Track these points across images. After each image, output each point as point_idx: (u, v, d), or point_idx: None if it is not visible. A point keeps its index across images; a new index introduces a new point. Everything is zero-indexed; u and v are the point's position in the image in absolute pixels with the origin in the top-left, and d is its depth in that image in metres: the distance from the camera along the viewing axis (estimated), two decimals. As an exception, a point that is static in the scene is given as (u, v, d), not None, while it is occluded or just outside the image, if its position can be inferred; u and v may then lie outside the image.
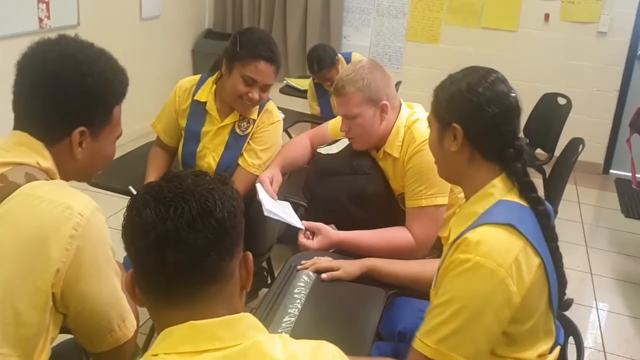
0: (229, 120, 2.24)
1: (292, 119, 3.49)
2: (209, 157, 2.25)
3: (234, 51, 2.13)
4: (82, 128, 1.24)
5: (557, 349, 1.40)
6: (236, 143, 2.24)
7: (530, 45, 5.03)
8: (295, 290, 1.61)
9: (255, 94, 2.13)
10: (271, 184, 2.08)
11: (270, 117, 2.27)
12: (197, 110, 2.27)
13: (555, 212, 3.26)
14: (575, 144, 3.13)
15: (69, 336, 1.46)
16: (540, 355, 1.35)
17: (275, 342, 0.88)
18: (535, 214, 1.35)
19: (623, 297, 3.30)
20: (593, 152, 5.07)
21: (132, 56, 4.51)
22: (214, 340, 0.85)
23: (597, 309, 3.16)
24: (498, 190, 1.35)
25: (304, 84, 4.36)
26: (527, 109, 4.26)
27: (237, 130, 2.24)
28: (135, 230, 0.87)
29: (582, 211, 4.37)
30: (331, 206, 2.05)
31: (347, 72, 1.96)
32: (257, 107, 2.25)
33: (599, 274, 3.49)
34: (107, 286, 1.20)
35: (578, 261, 3.59)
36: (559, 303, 1.40)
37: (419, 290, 1.73)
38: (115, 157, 1.42)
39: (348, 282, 1.70)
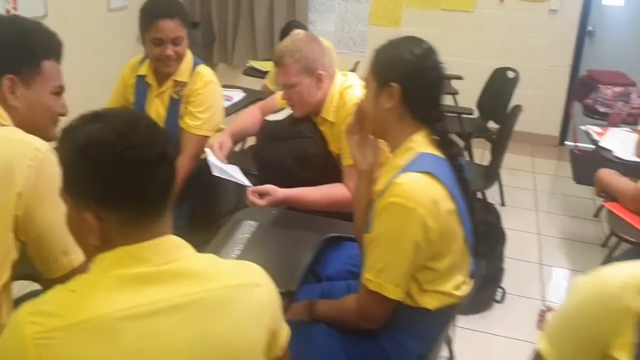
0: (165, 87, 2.49)
1: (253, 97, 3.66)
2: None
3: (140, 25, 2.39)
4: (9, 75, 1.40)
5: (470, 281, 1.61)
6: (174, 107, 2.49)
7: (487, 24, 5.22)
8: (240, 236, 1.80)
9: (168, 50, 2.37)
10: (221, 149, 2.27)
11: (202, 77, 2.48)
12: (141, 85, 2.54)
13: (497, 172, 3.49)
14: (516, 111, 3.34)
15: (35, 287, 1.64)
16: (456, 287, 1.57)
17: (200, 259, 1.04)
18: (452, 166, 1.55)
19: (567, 254, 3.54)
20: (549, 125, 5.31)
21: (101, 47, 4.64)
22: (143, 262, 0.97)
23: (540, 264, 3.39)
24: (417, 144, 1.54)
25: (268, 65, 4.51)
26: (481, 84, 4.54)
27: (174, 95, 2.48)
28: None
29: (536, 180, 4.60)
30: (278, 168, 2.24)
31: (286, 44, 2.15)
32: (189, 70, 2.47)
33: (546, 234, 3.72)
34: (61, 216, 1.38)
35: (527, 223, 3.82)
36: (475, 246, 1.60)
37: (350, 236, 1.93)
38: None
39: (289, 229, 1.90)
